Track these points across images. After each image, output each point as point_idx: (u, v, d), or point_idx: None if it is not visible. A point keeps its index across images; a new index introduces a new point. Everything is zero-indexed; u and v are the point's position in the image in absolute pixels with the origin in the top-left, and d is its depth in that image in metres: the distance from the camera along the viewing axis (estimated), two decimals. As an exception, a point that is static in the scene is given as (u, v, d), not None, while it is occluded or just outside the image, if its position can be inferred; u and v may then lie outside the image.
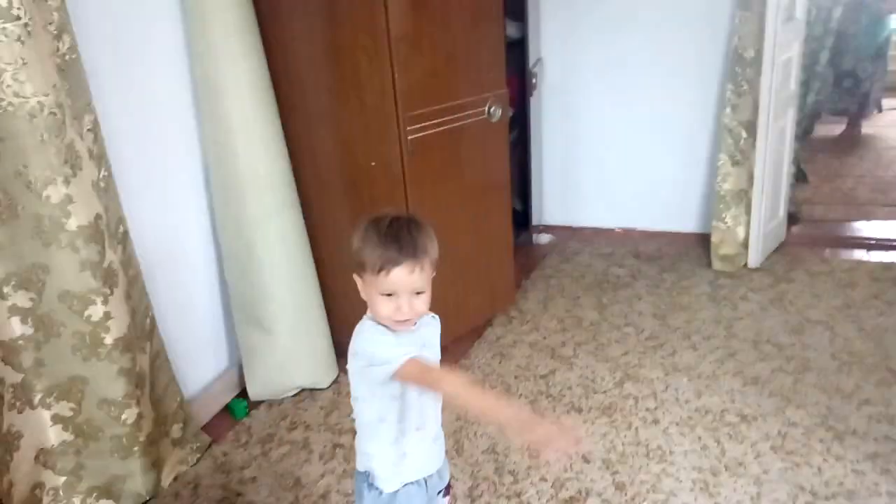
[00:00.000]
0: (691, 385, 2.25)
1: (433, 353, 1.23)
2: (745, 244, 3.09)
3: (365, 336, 1.15)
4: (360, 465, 1.26)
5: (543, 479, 1.85)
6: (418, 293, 1.10)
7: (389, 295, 1.08)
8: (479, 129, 2.43)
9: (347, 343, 1.19)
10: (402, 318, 1.09)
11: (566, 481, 1.84)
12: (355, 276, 1.13)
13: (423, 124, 2.19)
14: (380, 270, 1.06)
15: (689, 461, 1.90)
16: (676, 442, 1.98)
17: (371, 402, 1.20)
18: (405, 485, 1.23)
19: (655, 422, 2.07)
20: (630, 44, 3.28)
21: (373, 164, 2.22)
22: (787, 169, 3.19)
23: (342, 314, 2.41)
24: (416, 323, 1.15)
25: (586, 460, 1.92)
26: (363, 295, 1.13)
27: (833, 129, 5.23)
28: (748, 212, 3.04)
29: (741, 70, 2.86)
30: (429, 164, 2.27)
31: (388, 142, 2.16)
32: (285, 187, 2.18)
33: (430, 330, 1.22)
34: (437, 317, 1.25)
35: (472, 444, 2.01)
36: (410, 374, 1.09)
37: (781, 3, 2.67)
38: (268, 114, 2.11)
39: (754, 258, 3.09)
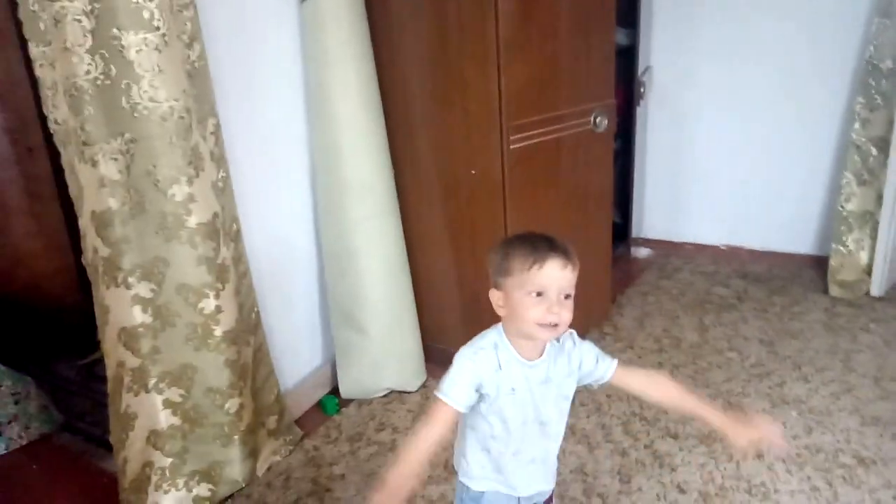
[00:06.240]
0: (801, 420, 2.10)
1: (558, 390, 1.17)
2: (869, 270, 2.85)
3: (468, 348, 1.13)
4: (455, 463, 1.27)
5: (634, 507, 1.78)
6: (566, 297, 1.07)
7: (539, 295, 1.05)
8: (583, 140, 2.37)
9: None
10: (552, 320, 1.05)
11: (659, 511, 1.76)
12: (493, 292, 1.12)
13: (526, 133, 2.17)
14: (533, 264, 1.05)
15: (796, 502, 1.77)
16: (782, 480, 1.85)
17: None
18: (496, 491, 1.22)
19: (759, 456, 1.94)
20: (747, 53, 3.11)
21: (473, 172, 2.22)
22: (921, 190, 2.91)
23: (433, 320, 2.43)
24: (559, 339, 1.13)
25: (682, 490, 1.83)
26: (502, 311, 1.11)
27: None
28: (874, 235, 2.81)
29: (875, 82, 2.64)
30: (530, 174, 2.24)
31: (490, 150, 2.15)
32: (386, 192, 2.22)
33: (560, 362, 1.16)
34: (575, 336, 1.19)
35: (560, 463, 1.96)
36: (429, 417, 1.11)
37: (927, 10, 2.45)
38: (374, 119, 2.15)
39: (878, 286, 2.84)
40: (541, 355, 1.14)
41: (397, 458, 1.11)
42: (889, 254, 2.81)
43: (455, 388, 1.10)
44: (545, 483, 1.28)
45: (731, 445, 1.13)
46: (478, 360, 1.11)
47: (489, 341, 1.13)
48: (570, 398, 1.21)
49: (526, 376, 1.13)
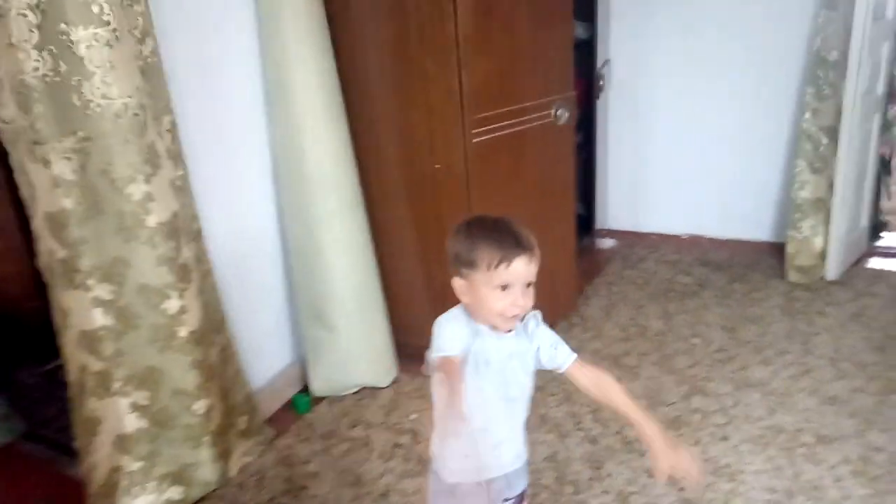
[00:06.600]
0: (763, 401, 2.16)
1: (522, 366, 1.20)
2: (823, 255, 2.94)
3: (443, 317, 1.16)
4: (432, 452, 1.28)
5: (606, 492, 1.81)
6: (528, 285, 1.11)
7: (504, 289, 1.09)
8: (545, 132, 2.40)
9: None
10: (517, 312, 1.10)
11: (630, 495, 1.79)
12: (456, 280, 1.14)
13: (488, 127, 2.18)
14: (500, 263, 1.08)
15: (760, 481, 1.81)
16: (747, 460, 1.90)
17: (437, 389, 1.21)
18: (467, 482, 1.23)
19: (724, 438, 1.99)
20: (703, 45, 3.18)
21: (437, 166, 2.22)
22: (871, 176, 3.02)
23: (403, 315, 2.42)
24: (523, 318, 1.16)
25: (651, 474, 1.86)
26: (465, 298, 1.14)
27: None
28: (827, 221, 2.89)
29: (823, 73, 2.73)
30: (493, 167, 2.25)
31: (454, 144, 2.16)
32: (350, 188, 2.21)
33: (524, 339, 1.19)
34: (538, 315, 1.22)
35: (532, 451, 1.96)
36: (439, 370, 1.10)
37: (871, 1, 2.53)
38: (335, 115, 2.14)
39: (833, 270, 2.94)
40: (508, 330, 1.17)
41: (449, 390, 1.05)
42: (842, 238, 2.91)
43: (446, 343, 1.11)
44: (513, 463, 1.30)
45: (653, 461, 1.10)
46: (456, 323, 1.15)
47: (461, 312, 1.16)
48: (533, 376, 1.24)
49: (497, 348, 1.16)
